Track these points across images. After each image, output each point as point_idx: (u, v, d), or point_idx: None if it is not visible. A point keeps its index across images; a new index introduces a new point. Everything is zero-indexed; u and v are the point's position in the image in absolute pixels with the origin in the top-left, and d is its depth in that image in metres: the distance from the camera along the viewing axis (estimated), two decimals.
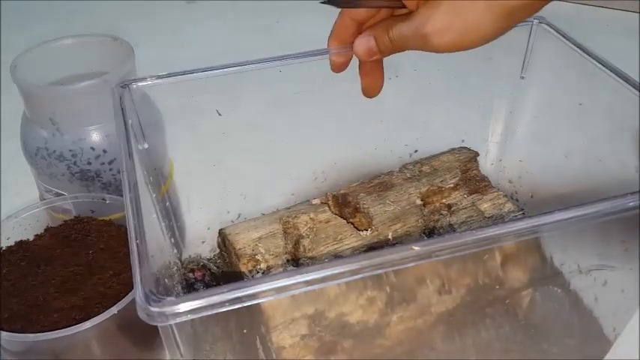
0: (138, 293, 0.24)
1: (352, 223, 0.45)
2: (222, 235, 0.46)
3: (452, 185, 0.48)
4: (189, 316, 0.24)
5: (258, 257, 0.43)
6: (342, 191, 0.47)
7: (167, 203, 0.53)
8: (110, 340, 0.39)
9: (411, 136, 0.56)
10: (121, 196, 0.51)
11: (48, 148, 0.47)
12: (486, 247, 0.29)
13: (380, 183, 0.48)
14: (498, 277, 0.38)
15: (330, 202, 0.47)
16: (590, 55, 0.41)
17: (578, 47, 0.42)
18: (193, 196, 0.64)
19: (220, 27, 1.01)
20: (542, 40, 0.45)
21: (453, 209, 0.47)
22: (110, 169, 0.48)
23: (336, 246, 0.44)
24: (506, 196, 0.49)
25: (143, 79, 0.41)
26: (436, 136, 0.56)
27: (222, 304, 0.24)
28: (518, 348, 0.41)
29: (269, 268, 0.43)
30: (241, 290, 0.25)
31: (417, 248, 0.27)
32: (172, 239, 0.51)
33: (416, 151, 0.54)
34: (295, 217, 0.45)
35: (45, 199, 0.50)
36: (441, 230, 0.45)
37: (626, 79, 0.38)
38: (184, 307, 0.24)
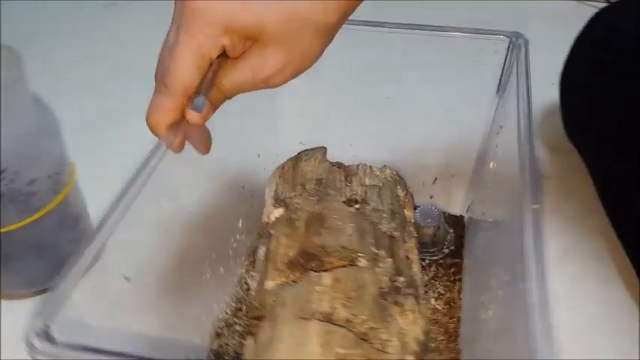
0: None
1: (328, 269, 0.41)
2: None
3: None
4: None
5: None
6: (295, 252, 0.42)
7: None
8: None
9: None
10: (17, 205, 0.50)
11: None
12: None
13: (306, 220, 0.45)
14: None
15: (289, 272, 0.41)
16: None
17: None
18: (101, 200, 0.63)
19: (140, 29, 1.00)
20: None
21: (361, 198, 0.48)
22: (2, 179, 0.48)
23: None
24: (364, 164, 0.50)
25: None
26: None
27: None
28: None
29: None
30: None
31: None
32: None
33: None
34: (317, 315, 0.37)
35: None
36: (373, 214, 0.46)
37: None
38: None
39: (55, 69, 0.91)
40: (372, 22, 0.52)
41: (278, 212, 0.47)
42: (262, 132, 0.61)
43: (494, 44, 0.54)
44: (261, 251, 0.46)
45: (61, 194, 0.53)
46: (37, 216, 0.51)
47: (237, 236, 0.56)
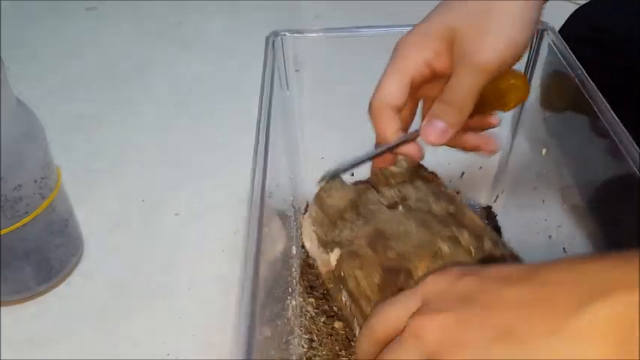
0: None
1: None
2: None
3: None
4: None
5: None
6: (379, 277, 0.38)
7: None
8: None
9: None
10: (3, 211, 0.48)
11: None
12: None
13: (368, 244, 0.41)
14: None
15: (382, 297, 0.36)
16: None
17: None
18: (88, 203, 0.61)
19: (122, 33, 0.97)
20: None
21: (399, 198, 0.44)
22: None
23: None
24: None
25: None
26: None
27: None
28: None
29: None
30: None
31: None
32: None
33: None
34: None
35: None
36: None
37: None
38: None
39: (38, 73, 0.86)
40: (366, 25, 0.50)
41: (335, 255, 0.43)
42: (283, 154, 0.55)
43: None
44: (344, 297, 0.41)
45: (48, 199, 0.51)
46: (24, 221, 0.50)
47: (290, 262, 0.51)
